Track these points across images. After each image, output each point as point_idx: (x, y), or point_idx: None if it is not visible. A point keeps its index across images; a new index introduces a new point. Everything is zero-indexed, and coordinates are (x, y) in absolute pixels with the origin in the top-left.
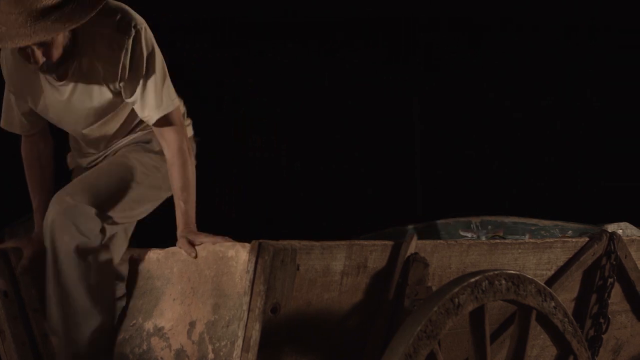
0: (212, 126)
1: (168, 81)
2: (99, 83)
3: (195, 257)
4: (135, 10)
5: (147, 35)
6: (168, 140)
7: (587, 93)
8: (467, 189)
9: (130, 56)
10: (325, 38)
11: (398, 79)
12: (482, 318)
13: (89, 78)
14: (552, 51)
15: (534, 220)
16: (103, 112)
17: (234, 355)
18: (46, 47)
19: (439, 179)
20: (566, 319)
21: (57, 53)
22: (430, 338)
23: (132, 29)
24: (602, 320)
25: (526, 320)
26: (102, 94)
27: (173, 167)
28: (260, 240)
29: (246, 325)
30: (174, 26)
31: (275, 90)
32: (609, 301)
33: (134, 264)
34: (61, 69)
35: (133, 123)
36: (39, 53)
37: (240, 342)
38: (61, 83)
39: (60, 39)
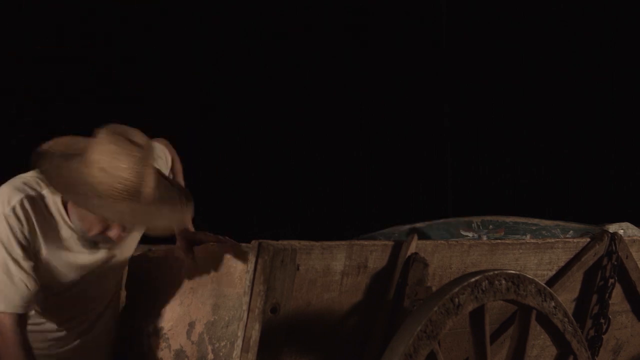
0: (212, 126)
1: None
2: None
3: (193, 259)
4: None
5: None
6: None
7: (587, 93)
8: (467, 189)
9: None
10: (325, 37)
11: (397, 79)
12: (482, 318)
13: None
14: (551, 51)
15: (535, 220)
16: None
17: (234, 355)
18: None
19: (439, 179)
20: (566, 319)
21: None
22: (430, 338)
23: None
24: (602, 321)
25: (526, 320)
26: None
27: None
28: (260, 240)
29: (246, 326)
30: (175, 31)
31: (275, 90)
32: (610, 301)
33: (134, 263)
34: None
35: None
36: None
37: (240, 342)
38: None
39: None
